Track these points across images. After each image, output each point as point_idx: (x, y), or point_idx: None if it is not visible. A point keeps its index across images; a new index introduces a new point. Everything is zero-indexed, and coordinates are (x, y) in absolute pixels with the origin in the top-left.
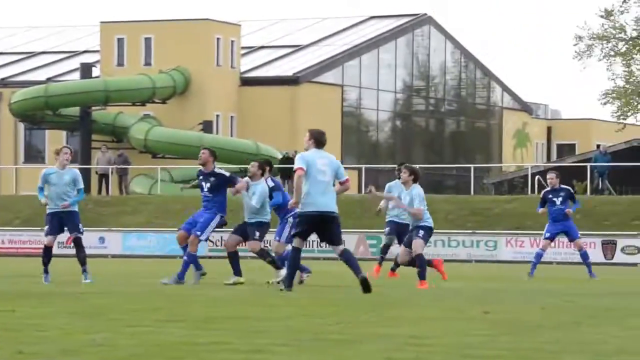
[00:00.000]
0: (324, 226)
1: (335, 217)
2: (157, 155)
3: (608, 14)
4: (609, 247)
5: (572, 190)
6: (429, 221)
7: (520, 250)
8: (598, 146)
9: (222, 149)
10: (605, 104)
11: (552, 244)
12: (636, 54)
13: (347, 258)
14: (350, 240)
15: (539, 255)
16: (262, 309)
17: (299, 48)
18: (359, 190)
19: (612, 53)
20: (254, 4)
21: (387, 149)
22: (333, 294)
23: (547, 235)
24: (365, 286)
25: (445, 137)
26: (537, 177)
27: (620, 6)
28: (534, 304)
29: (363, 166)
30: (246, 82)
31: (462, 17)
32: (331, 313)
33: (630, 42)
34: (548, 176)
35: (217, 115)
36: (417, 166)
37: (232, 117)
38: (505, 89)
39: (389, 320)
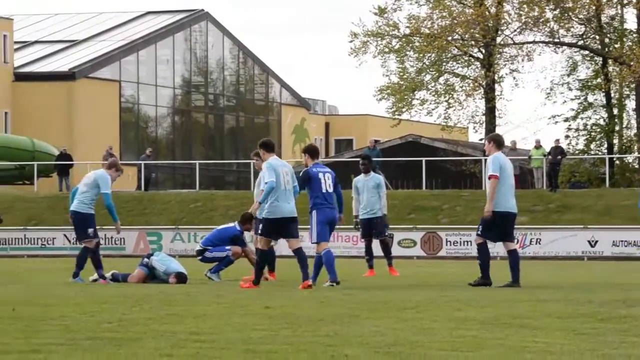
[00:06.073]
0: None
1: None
2: None
3: (382, 12)
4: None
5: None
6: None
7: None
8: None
9: None
10: (380, 99)
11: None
12: (409, 51)
13: None
14: (130, 237)
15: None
16: (38, 309)
17: (74, 43)
18: (139, 187)
19: (386, 50)
20: None
21: (167, 145)
22: (111, 291)
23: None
24: None
25: (225, 133)
26: None
27: (394, 4)
28: (314, 298)
29: (142, 162)
30: (20, 77)
31: (240, 13)
32: (108, 311)
33: (404, 39)
34: None
35: None
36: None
37: (6, 113)
38: (283, 84)
39: (169, 317)
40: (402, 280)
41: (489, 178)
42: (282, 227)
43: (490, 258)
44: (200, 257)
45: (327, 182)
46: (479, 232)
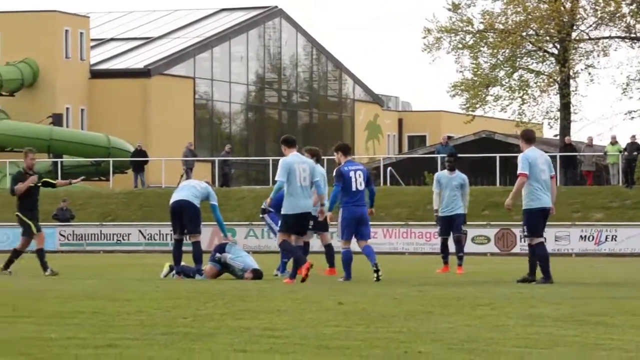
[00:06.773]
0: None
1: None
2: (5, 149)
3: (455, 8)
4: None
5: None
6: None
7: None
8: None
9: (73, 142)
10: (454, 96)
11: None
12: (483, 47)
13: None
14: (205, 233)
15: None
16: (115, 304)
17: (149, 40)
18: (213, 182)
19: (460, 46)
20: None
21: (241, 141)
22: (186, 286)
23: None
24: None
25: (298, 129)
26: (389, 169)
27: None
28: (387, 294)
29: (216, 158)
30: (96, 74)
31: (313, 9)
32: (183, 306)
33: (477, 35)
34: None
35: (67, 108)
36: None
37: (82, 110)
38: (356, 81)
39: (242, 312)
40: (475, 276)
41: (518, 176)
42: (300, 223)
43: (548, 256)
44: (261, 216)
45: (357, 179)
46: (526, 234)
